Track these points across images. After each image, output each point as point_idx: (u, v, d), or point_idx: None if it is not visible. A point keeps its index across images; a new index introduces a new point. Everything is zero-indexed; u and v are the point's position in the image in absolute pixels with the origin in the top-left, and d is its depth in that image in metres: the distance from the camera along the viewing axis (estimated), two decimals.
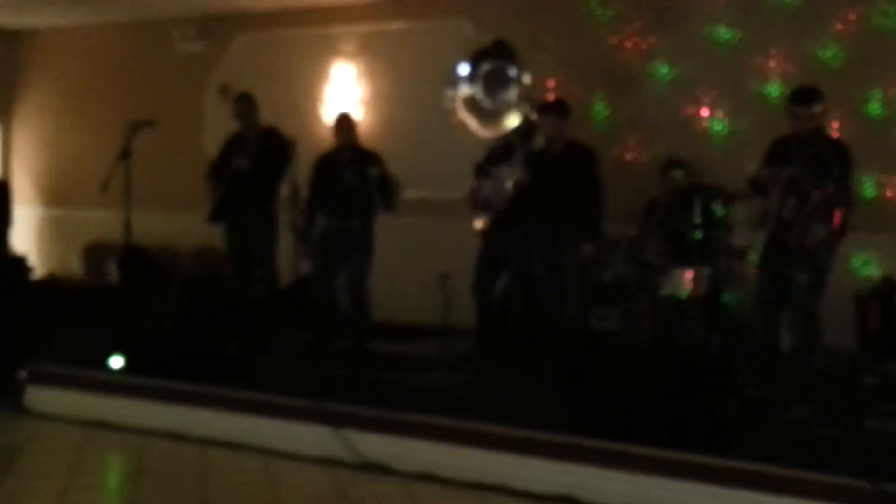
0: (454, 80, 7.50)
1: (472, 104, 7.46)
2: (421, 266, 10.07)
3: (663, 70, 9.55)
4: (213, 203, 8.64)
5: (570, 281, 7.78)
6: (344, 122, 8.40)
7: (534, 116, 7.63)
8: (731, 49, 9.23)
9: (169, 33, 12.40)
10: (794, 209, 6.62)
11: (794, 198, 6.61)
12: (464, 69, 7.50)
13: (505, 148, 7.93)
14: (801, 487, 5.29)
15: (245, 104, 8.66)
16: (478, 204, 8.22)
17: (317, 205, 8.32)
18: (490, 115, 7.43)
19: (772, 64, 9.02)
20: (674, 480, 5.62)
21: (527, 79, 7.38)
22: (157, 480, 6.28)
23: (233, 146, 8.63)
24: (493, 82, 7.41)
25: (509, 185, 7.77)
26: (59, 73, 13.47)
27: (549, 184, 7.70)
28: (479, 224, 8.21)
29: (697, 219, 7.43)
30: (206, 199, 8.75)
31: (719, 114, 9.27)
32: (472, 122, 7.56)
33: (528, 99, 7.49)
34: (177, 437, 7.12)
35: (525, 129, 7.60)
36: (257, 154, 8.41)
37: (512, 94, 7.37)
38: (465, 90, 7.45)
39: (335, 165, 8.26)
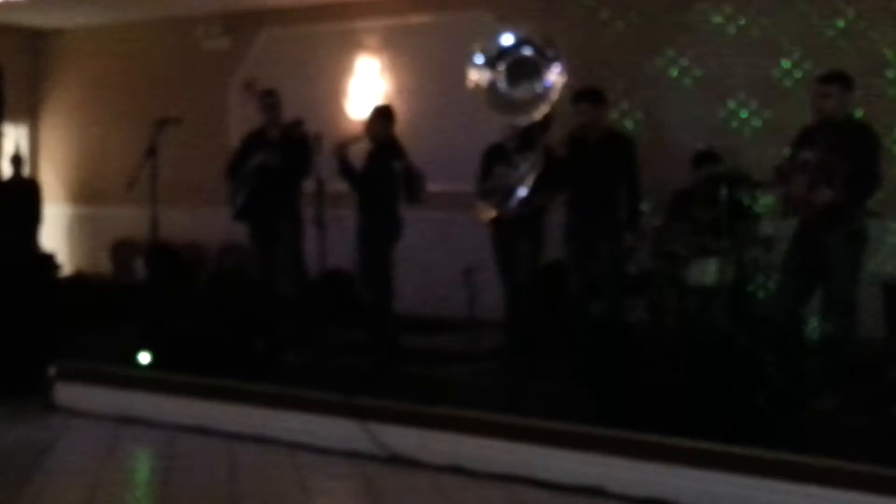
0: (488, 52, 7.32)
1: (492, 91, 7.33)
2: (446, 259, 10.07)
3: (684, 62, 9.52)
4: (241, 200, 8.52)
5: (612, 272, 7.62)
6: (381, 114, 8.37)
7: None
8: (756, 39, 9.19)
9: (193, 31, 12.45)
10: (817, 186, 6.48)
11: (819, 177, 6.47)
12: (507, 39, 7.30)
13: (522, 139, 7.79)
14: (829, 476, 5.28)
15: (271, 100, 8.62)
16: (488, 193, 7.95)
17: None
18: (511, 105, 7.31)
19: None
20: (700, 470, 5.61)
21: (556, 73, 7.22)
22: (186, 475, 6.31)
23: (255, 142, 8.57)
24: (518, 72, 7.27)
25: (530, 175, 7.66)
26: (84, 73, 13.53)
27: (586, 174, 7.59)
28: (489, 214, 7.93)
29: (723, 208, 7.36)
30: (228, 196, 8.63)
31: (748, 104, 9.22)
32: (490, 110, 7.45)
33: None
34: (204, 431, 7.16)
35: (542, 122, 7.48)
36: (283, 150, 8.36)
37: (537, 85, 7.24)
38: (486, 76, 7.31)
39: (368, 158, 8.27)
